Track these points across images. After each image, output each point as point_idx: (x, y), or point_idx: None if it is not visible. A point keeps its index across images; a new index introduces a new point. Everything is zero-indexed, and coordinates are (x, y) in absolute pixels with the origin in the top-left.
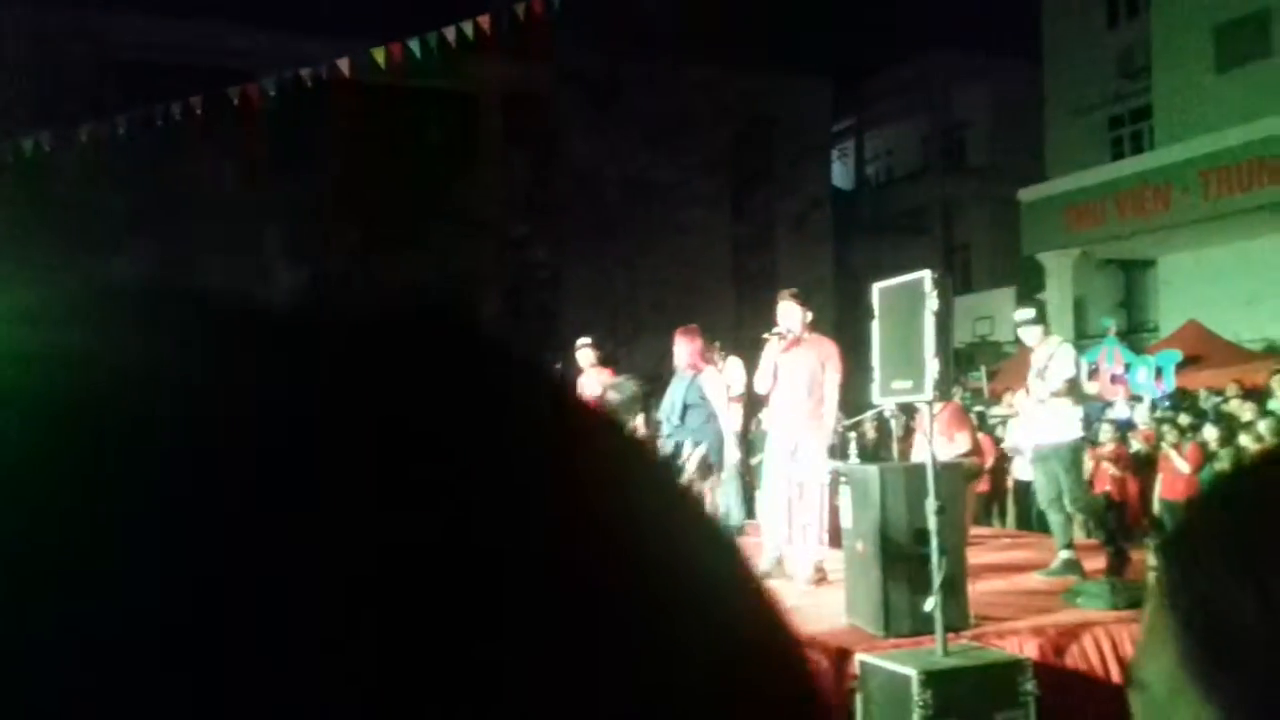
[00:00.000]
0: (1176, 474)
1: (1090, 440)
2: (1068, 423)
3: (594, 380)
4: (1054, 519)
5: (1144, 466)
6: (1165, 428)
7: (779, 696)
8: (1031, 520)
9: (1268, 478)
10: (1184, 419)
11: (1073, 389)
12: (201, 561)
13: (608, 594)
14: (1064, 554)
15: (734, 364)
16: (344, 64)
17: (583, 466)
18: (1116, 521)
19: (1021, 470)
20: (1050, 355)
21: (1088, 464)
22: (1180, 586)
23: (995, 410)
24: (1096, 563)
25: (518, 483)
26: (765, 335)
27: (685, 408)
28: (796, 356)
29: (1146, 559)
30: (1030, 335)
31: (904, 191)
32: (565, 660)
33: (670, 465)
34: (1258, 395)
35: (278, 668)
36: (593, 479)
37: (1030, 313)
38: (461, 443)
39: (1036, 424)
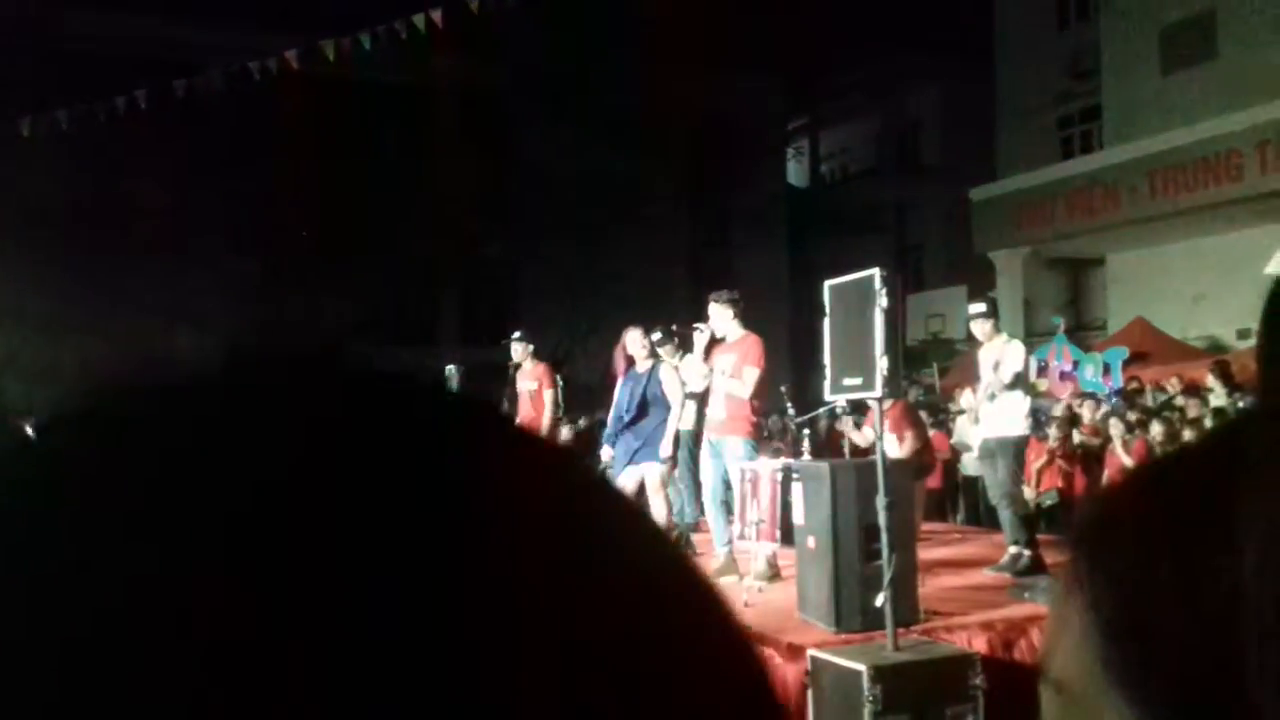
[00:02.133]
0: (1122, 470)
1: (1038, 437)
2: (1014, 418)
3: (529, 374)
4: (1004, 514)
5: (1091, 462)
6: (1112, 423)
7: (728, 700)
8: (981, 516)
9: (1187, 463)
10: (1131, 415)
11: (1020, 383)
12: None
13: (540, 607)
14: (1013, 549)
15: (689, 361)
16: (292, 56)
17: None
18: (1060, 520)
19: (972, 466)
20: (1002, 351)
21: (1040, 460)
22: (1091, 576)
23: (950, 407)
24: (1049, 557)
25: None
26: (697, 326)
27: (645, 401)
28: (723, 357)
29: None
30: (981, 329)
31: (858, 190)
32: (500, 678)
33: (602, 477)
34: (1198, 392)
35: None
36: (514, 498)
37: (983, 306)
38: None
39: (984, 419)
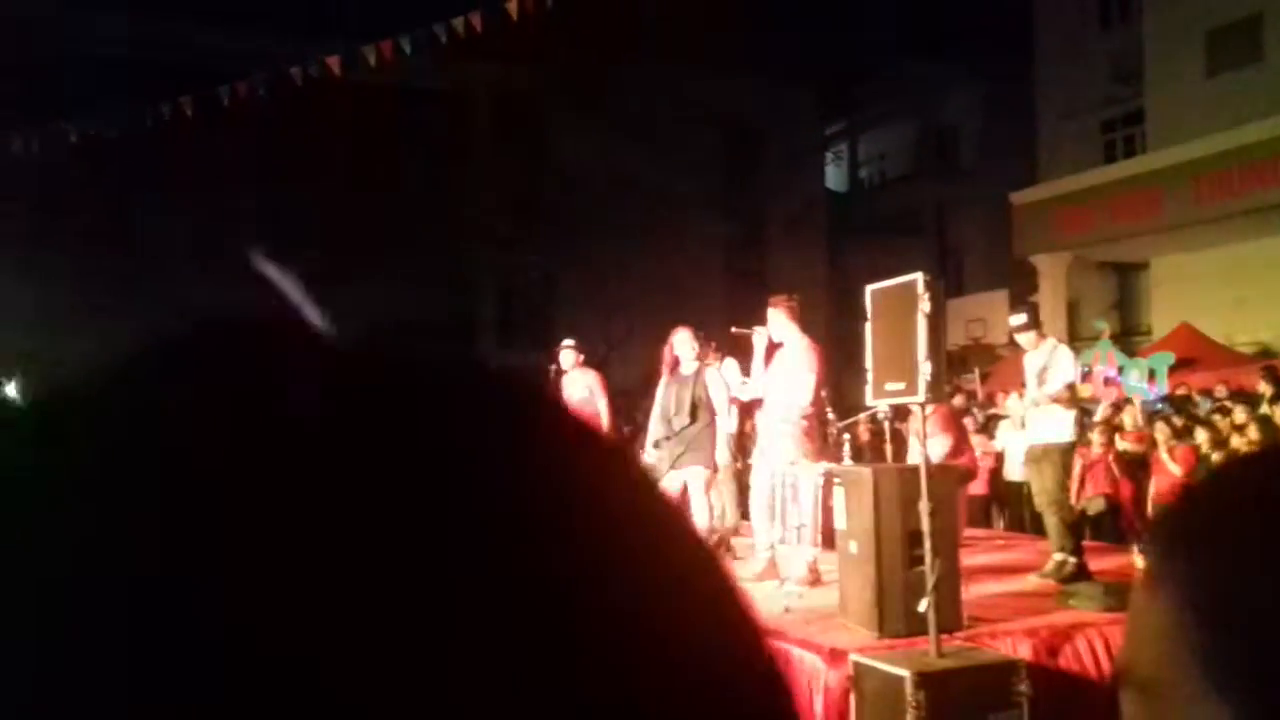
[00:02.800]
0: (1169, 477)
1: (1082, 443)
2: (1062, 424)
3: (578, 382)
4: (1049, 521)
5: (1137, 469)
6: (1158, 428)
7: (746, 705)
8: (1025, 522)
9: (1269, 464)
10: (1176, 421)
11: (1071, 392)
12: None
13: (574, 601)
14: (1058, 555)
15: (730, 365)
16: (334, 62)
17: (555, 475)
18: (1107, 526)
19: (1013, 472)
20: (1048, 358)
21: (1080, 468)
22: (1183, 572)
23: (991, 412)
24: (1094, 564)
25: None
26: (753, 329)
27: (694, 406)
28: (780, 361)
29: (1135, 561)
30: (1026, 340)
31: (897, 194)
32: (530, 668)
33: (650, 474)
34: (1247, 397)
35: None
36: (567, 487)
37: (1023, 317)
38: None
39: (1031, 425)
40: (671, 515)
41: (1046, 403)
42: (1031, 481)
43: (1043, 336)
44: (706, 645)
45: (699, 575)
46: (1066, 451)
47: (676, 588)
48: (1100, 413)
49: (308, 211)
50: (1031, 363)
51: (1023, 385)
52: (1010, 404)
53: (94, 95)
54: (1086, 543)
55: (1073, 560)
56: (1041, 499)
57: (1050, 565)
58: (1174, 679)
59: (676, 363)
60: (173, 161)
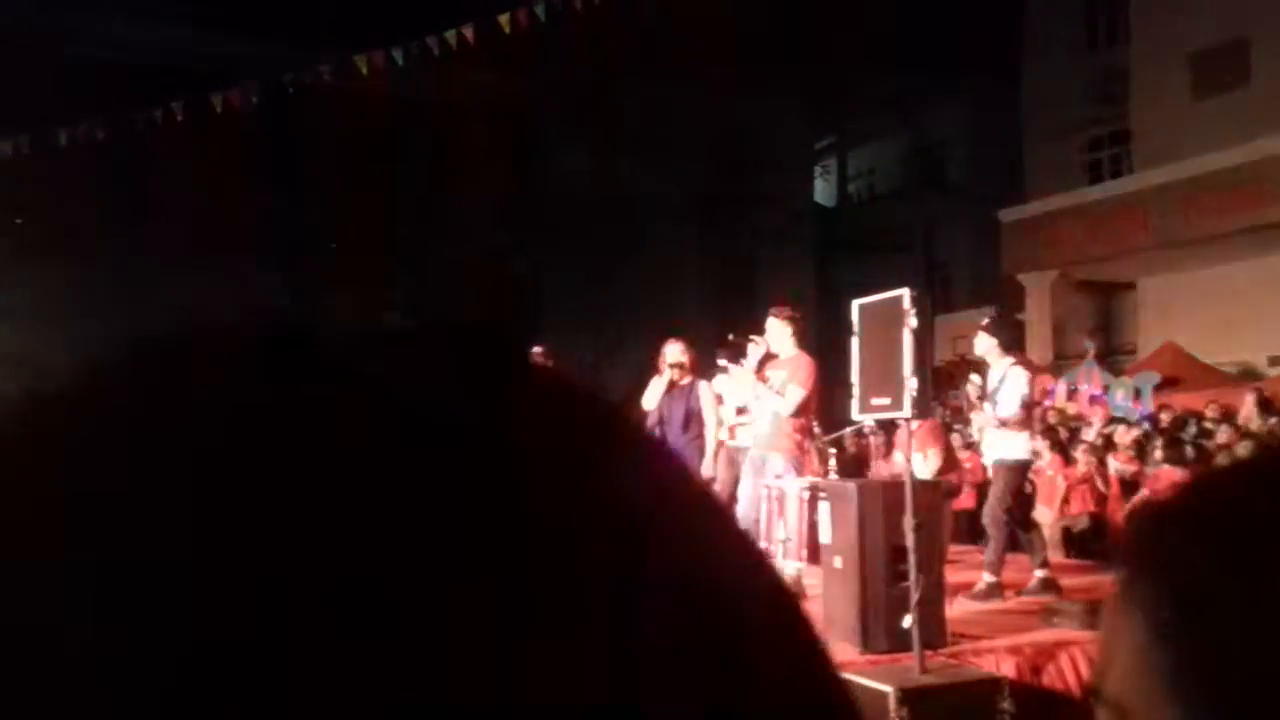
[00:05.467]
0: (1169, 488)
1: (1068, 460)
2: (1015, 443)
3: None
4: (1023, 538)
5: (1128, 489)
6: (1148, 449)
7: (798, 690)
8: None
9: (1240, 478)
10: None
11: (1026, 414)
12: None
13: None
14: (1040, 573)
15: (720, 381)
16: (326, 71)
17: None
18: (1091, 545)
19: None
20: (1002, 377)
21: (1061, 484)
22: (1150, 593)
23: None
24: (1074, 582)
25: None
26: (750, 338)
27: (688, 417)
28: (774, 373)
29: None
30: (984, 345)
31: (885, 210)
32: (579, 652)
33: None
34: (1232, 418)
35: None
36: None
37: (986, 320)
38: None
39: (986, 443)
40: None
41: (998, 425)
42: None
43: (1004, 353)
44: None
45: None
46: (1018, 470)
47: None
48: (1093, 432)
49: (298, 219)
50: (990, 377)
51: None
52: (976, 420)
53: (84, 100)
54: (1071, 561)
55: (994, 581)
56: (985, 513)
57: (1033, 583)
58: (1141, 700)
59: (683, 372)
60: (163, 168)
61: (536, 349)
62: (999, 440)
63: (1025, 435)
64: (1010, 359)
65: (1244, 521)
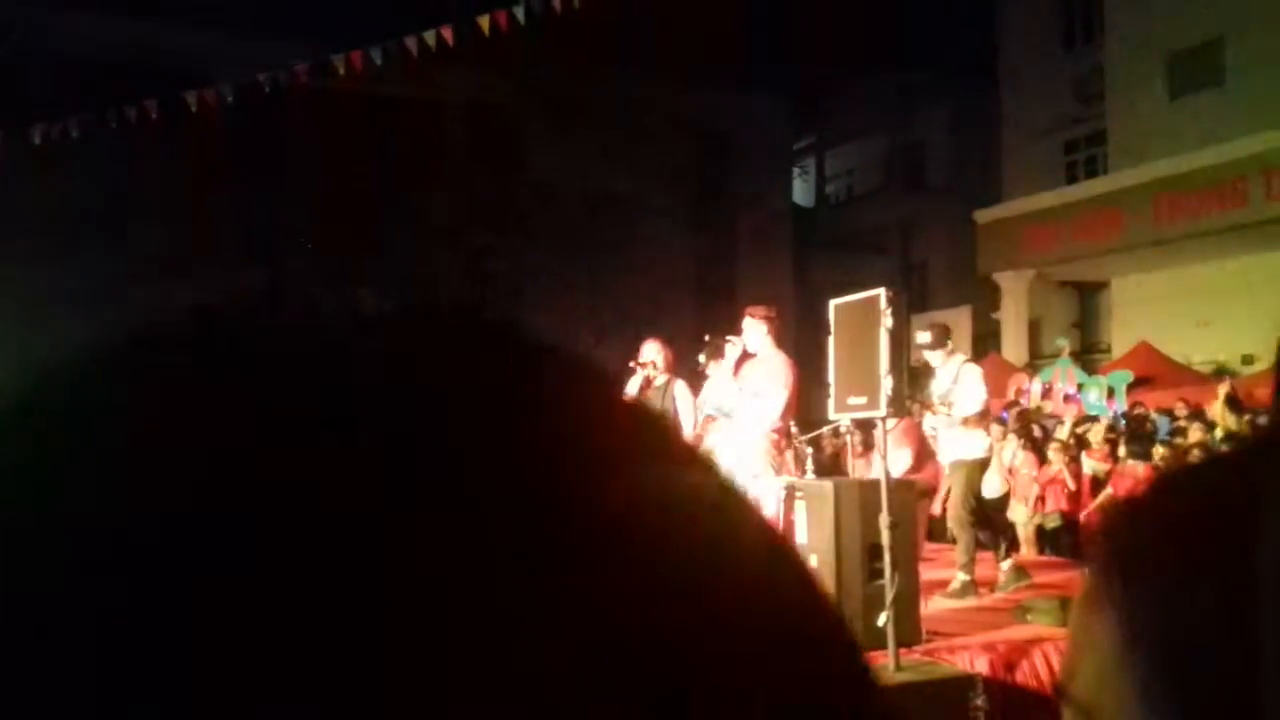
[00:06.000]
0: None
1: (1041, 459)
2: (973, 441)
3: None
4: (983, 536)
5: (1100, 487)
6: (1123, 447)
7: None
8: (983, 538)
9: (1211, 473)
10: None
11: (984, 409)
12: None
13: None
14: (1006, 564)
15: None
16: (303, 70)
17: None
18: (1064, 542)
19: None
20: (955, 376)
21: (1034, 482)
22: (1118, 593)
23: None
24: (1047, 579)
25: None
26: (727, 339)
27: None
28: (751, 372)
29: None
30: (934, 358)
31: (863, 209)
32: (587, 648)
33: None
34: (1203, 416)
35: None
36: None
37: (928, 336)
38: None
39: (943, 442)
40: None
41: (958, 425)
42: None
43: (950, 354)
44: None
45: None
46: (975, 467)
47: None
48: (1066, 431)
49: (276, 218)
50: (939, 381)
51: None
52: (928, 422)
53: (58, 97)
54: (1045, 558)
55: (966, 578)
56: (950, 514)
57: (1004, 578)
58: (1110, 701)
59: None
60: (138, 166)
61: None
62: (957, 439)
63: (982, 432)
64: (960, 356)
65: (1215, 519)
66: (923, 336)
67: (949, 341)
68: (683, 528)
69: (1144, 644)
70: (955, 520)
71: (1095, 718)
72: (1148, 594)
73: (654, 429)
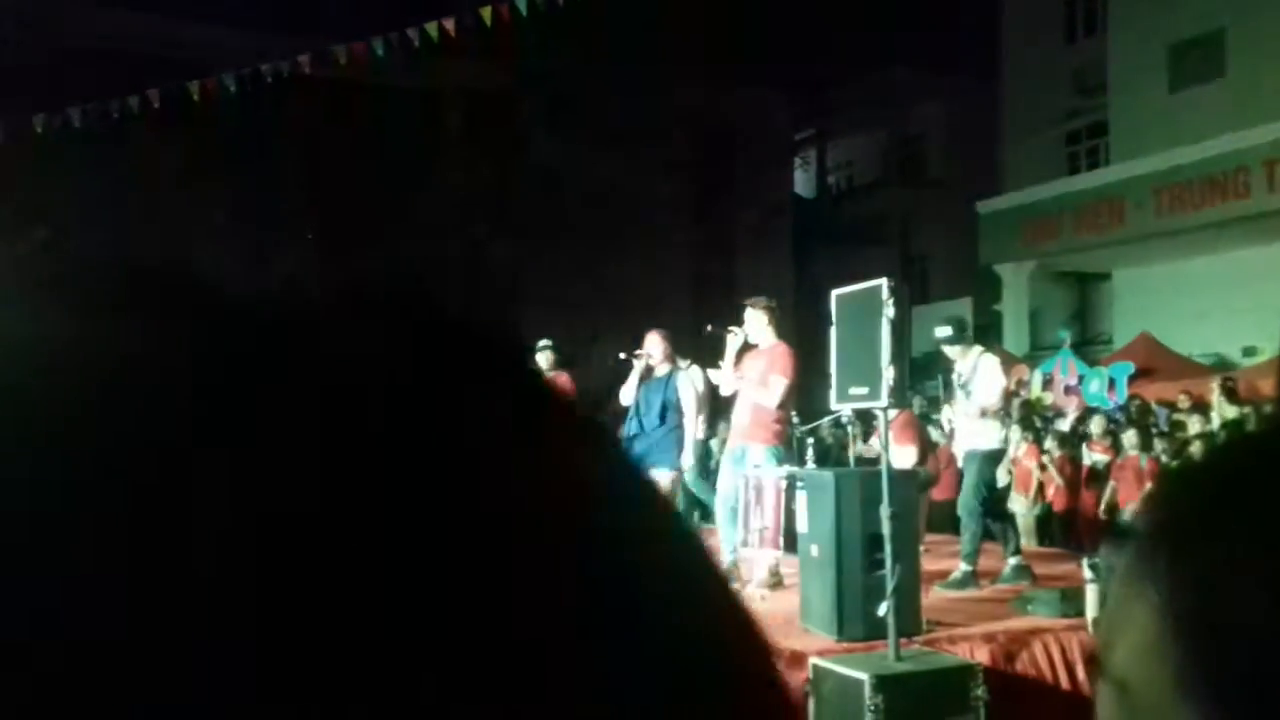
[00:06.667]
0: (1131, 485)
1: (1040, 448)
2: (988, 432)
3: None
4: (995, 527)
5: (1100, 479)
6: (1127, 436)
7: (751, 698)
8: (986, 528)
9: (1261, 449)
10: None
11: (1004, 401)
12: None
13: (570, 585)
14: (1013, 560)
15: (694, 371)
16: (305, 60)
17: (547, 455)
18: (1059, 534)
19: None
20: (974, 367)
21: (1036, 474)
22: (1170, 575)
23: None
24: (1048, 570)
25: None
26: (729, 329)
27: (664, 408)
28: (752, 363)
29: (1084, 571)
30: (953, 352)
31: (864, 201)
32: (525, 660)
33: (637, 465)
34: (1204, 408)
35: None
36: (559, 468)
37: (948, 330)
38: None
39: (959, 434)
40: (668, 511)
41: (978, 415)
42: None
43: (969, 347)
44: (706, 637)
45: (695, 564)
46: (989, 459)
47: (678, 576)
48: (1067, 422)
49: (276, 207)
50: (959, 373)
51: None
52: (943, 413)
53: (60, 86)
54: (1045, 549)
55: (968, 568)
56: (960, 502)
57: (1006, 570)
58: (1143, 683)
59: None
60: (140, 155)
61: (543, 342)
62: (973, 430)
63: (998, 424)
64: (979, 348)
65: (1268, 511)
66: (942, 330)
67: (967, 333)
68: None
69: (1184, 630)
70: (965, 509)
71: (1130, 696)
72: (1190, 576)
73: (557, 407)
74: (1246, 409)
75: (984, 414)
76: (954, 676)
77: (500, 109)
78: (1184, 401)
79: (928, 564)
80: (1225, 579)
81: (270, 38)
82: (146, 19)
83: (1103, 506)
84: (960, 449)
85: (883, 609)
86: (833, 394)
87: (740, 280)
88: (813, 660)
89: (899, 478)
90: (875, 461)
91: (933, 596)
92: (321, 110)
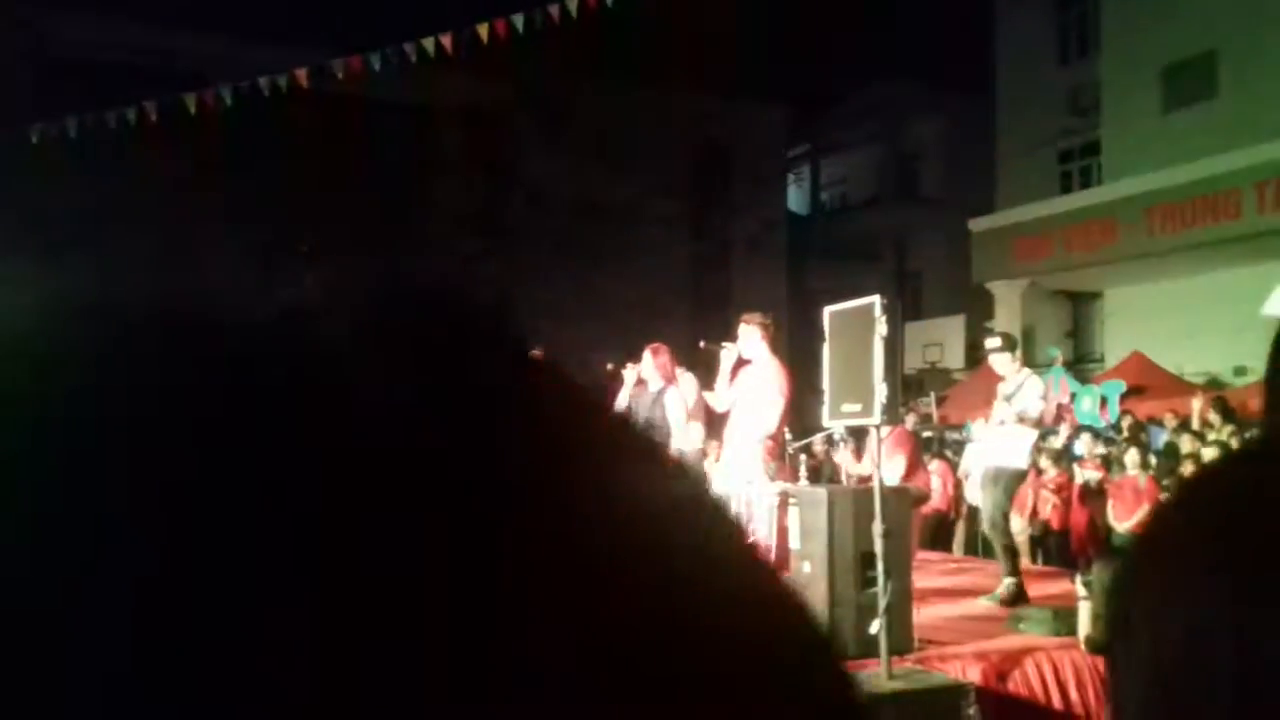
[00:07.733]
0: (1129, 503)
1: (1037, 469)
2: (1019, 449)
3: None
4: (996, 544)
5: (1094, 496)
6: (1129, 455)
7: (811, 682)
8: (979, 546)
9: (1241, 478)
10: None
11: (1038, 420)
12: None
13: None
14: (1008, 580)
15: (688, 381)
16: (301, 74)
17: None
18: (1055, 552)
19: (973, 495)
20: (1020, 385)
21: (1032, 494)
22: (1156, 615)
23: (948, 436)
24: (1041, 589)
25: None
26: (722, 345)
27: (649, 425)
28: (746, 379)
29: (1077, 588)
30: (1000, 362)
31: (858, 218)
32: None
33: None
34: (1189, 426)
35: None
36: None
37: (997, 340)
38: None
39: (989, 447)
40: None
41: (1014, 421)
42: (983, 503)
43: (1016, 362)
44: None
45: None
46: (1016, 478)
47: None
48: (1060, 440)
49: (270, 220)
50: (1004, 387)
51: (986, 406)
52: (975, 428)
53: (58, 98)
54: (1037, 567)
55: (1012, 582)
56: (986, 522)
57: (1000, 589)
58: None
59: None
60: (135, 168)
61: (534, 352)
62: (1003, 448)
63: (1030, 442)
64: (1027, 370)
65: (1265, 543)
66: (991, 341)
67: (1016, 349)
68: (656, 526)
69: (1163, 663)
70: (993, 526)
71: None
72: (1173, 615)
73: (619, 425)
74: (1248, 431)
75: (1021, 420)
76: (946, 695)
77: (496, 125)
78: (1170, 421)
79: (918, 581)
80: (1206, 628)
81: (268, 51)
82: (143, 31)
83: (1098, 524)
84: (985, 464)
85: (875, 627)
86: (825, 411)
87: (734, 295)
88: None
89: (892, 495)
90: (868, 477)
91: (928, 614)
92: (318, 123)
